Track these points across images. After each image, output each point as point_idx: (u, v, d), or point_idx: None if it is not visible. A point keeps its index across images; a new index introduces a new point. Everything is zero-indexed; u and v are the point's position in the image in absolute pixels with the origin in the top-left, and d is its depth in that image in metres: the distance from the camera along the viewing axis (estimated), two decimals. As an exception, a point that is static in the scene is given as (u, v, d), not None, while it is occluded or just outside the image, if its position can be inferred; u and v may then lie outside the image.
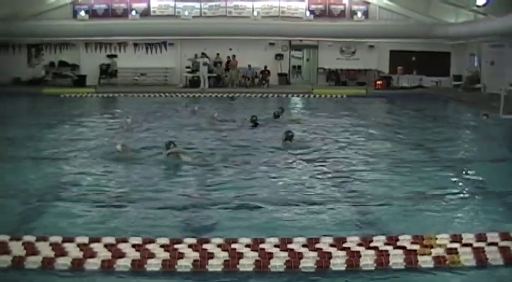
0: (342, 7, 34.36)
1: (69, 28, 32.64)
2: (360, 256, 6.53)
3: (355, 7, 34.20)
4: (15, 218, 8.32)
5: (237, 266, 6.38)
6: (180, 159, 12.27)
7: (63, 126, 18.10)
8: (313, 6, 34.20)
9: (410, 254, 6.56)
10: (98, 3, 34.24)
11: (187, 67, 33.71)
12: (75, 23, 33.12)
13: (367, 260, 6.46)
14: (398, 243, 6.86)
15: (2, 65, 33.27)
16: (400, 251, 6.65)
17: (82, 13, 33.58)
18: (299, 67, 37.83)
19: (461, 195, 9.72)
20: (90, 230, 7.67)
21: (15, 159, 12.61)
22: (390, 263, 6.45)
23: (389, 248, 6.74)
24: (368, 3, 34.10)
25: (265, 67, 33.55)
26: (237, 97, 27.85)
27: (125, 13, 33.85)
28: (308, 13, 33.75)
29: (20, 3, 31.65)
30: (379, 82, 32.12)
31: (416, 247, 6.75)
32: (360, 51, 34.51)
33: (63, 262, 6.42)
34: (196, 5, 33.98)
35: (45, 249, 6.66)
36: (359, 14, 33.74)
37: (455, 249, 6.69)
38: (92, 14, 33.91)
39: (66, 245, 6.81)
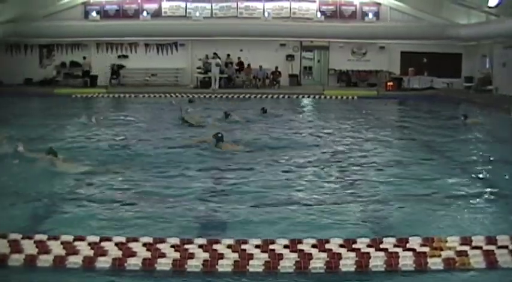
0: (352, 8, 34.36)
1: (81, 29, 32.94)
2: (370, 257, 6.53)
3: (366, 8, 34.19)
4: (26, 217, 8.39)
5: (247, 267, 6.40)
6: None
7: (73, 126, 18.19)
8: (324, 7, 34.22)
9: (420, 256, 6.56)
10: (109, 4, 34.46)
11: (199, 68, 33.83)
12: (86, 24, 33.42)
13: (377, 261, 6.46)
14: (408, 245, 6.84)
15: (14, 66, 33.55)
16: (410, 253, 6.64)
17: (93, 14, 33.88)
18: (310, 68, 37.86)
19: (472, 197, 9.66)
20: (101, 229, 7.72)
21: (25, 159, 12.67)
22: (400, 265, 6.45)
23: (399, 249, 6.73)
24: (379, 4, 34.07)
25: (276, 68, 33.59)
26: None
27: (136, 14, 34.05)
28: (319, 14, 33.78)
29: (31, 4, 31.88)
30: (390, 83, 32.08)
31: (426, 249, 6.73)
32: (371, 52, 34.47)
33: (74, 260, 6.46)
34: (207, 5, 34.11)
35: (56, 248, 6.71)
36: (370, 15, 33.73)
37: (465, 251, 6.67)
38: (104, 14, 34.16)
39: (77, 243, 6.84)
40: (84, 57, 34.04)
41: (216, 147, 13.45)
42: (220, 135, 13.67)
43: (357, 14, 34.34)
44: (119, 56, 34.98)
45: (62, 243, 6.85)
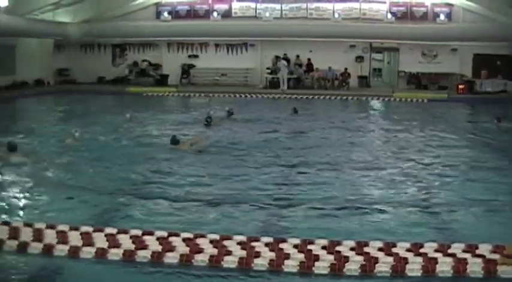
0: (424, 9, 33.74)
1: (153, 29, 33.57)
2: (437, 263, 6.44)
3: (437, 9, 33.52)
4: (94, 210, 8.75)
5: (312, 268, 6.43)
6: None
7: (146, 123, 18.59)
8: (394, 9, 33.76)
9: (489, 263, 6.43)
10: (180, 5, 34.96)
11: (268, 68, 33.93)
12: (158, 24, 34.02)
13: (444, 267, 6.37)
14: (477, 252, 6.73)
15: (87, 65, 34.62)
16: (479, 260, 6.52)
17: (165, 14, 34.46)
18: (379, 70, 37.40)
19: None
20: (169, 224, 7.94)
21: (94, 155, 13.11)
22: (468, 271, 6.34)
23: (467, 255, 6.62)
24: (451, 5, 33.36)
25: (346, 69, 33.33)
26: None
27: (207, 14, 34.45)
28: (389, 15, 33.36)
29: (106, 5, 32.78)
30: (461, 86, 31.36)
31: (496, 256, 6.60)
32: (442, 54, 33.76)
33: (143, 254, 6.69)
34: (277, 6, 34.14)
35: (126, 242, 6.95)
36: (442, 17, 33.05)
37: (537, 259, 6.51)
38: (175, 15, 34.72)
39: (146, 238, 7.12)
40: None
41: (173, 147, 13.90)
42: (176, 138, 14.24)
43: (428, 15, 33.73)
44: (190, 56, 35.51)
45: (131, 237, 7.09)
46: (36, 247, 6.88)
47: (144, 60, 35.08)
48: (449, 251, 6.75)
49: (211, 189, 10.13)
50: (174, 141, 14.06)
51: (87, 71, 34.61)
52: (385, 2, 33.75)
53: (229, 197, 9.57)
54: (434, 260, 6.48)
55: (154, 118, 20.19)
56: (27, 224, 7.50)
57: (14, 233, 7.16)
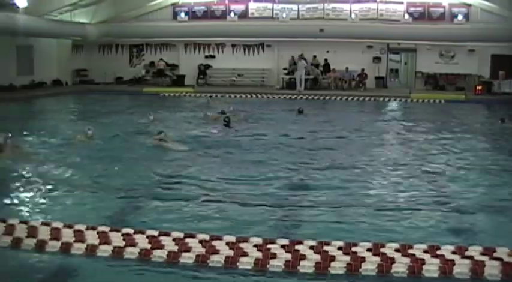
0: (441, 10, 33.57)
1: (170, 29, 33.80)
2: (454, 264, 6.41)
3: (455, 10, 33.32)
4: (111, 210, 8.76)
5: (328, 268, 6.42)
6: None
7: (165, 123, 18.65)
8: (412, 9, 33.63)
9: (507, 266, 6.37)
10: (197, 5, 35.09)
11: (285, 69, 33.92)
12: (175, 25, 34.23)
13: (461, 268, 6.34)
14: (495, 255, 6.67)
15: (105, 65, 34.95)
16: (497, 263, 6.47)
17: (182, 15, 34.63)
18: (397, 70, 37.28)
19: None
20: (185, 224, 7.96)
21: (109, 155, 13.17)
22: (485, 274, 6.29)
23: (485, 258, 6.57)
24: (469, 5, 33.15)
25: (363, 70, 33.24)
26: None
27: (224, 15, 34.54)
28: (407, 16, 33.24)
29: (123, 6, 33.02)
30: (479, 87, 31.15)
31: (514, 259, 6.55)
32: (460, 55, 33.58)
33: (159, 254, 6.70)
34: (294, 7, 34.14)
35: (142, 242, 6.98)
36: (460, 17, 32.86)
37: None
38: (192, 15, 34.87)
39: (162, 238, 7.11)
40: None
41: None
42: (163, 133, 14.51)
43: (445, 15, 33.55)
44: (206, 56, 35.66)
45: (147, 237, 7.12)
46: (54, 245, 6.93)
47: (160, 61, 35.25)
48: (467, 253, 6.71)
49: (227, 190, 10.08)
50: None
51: (105, 71, 34.90)
52: (402, 3, 33.65)
53: (244, 198, 9.56)
54: (452, 262, 6.45)
55: (173, 118, 20.25)
56: (45, 223, 7.55)
57: (32, 232, 7.22)
